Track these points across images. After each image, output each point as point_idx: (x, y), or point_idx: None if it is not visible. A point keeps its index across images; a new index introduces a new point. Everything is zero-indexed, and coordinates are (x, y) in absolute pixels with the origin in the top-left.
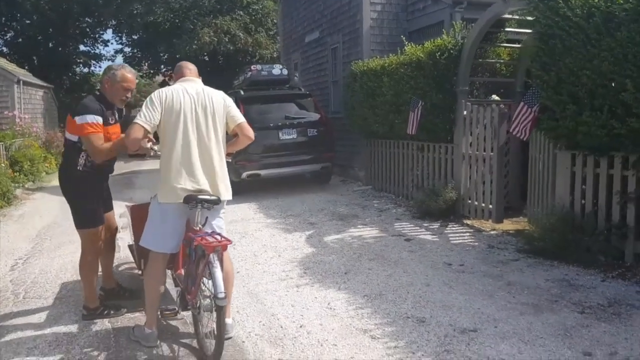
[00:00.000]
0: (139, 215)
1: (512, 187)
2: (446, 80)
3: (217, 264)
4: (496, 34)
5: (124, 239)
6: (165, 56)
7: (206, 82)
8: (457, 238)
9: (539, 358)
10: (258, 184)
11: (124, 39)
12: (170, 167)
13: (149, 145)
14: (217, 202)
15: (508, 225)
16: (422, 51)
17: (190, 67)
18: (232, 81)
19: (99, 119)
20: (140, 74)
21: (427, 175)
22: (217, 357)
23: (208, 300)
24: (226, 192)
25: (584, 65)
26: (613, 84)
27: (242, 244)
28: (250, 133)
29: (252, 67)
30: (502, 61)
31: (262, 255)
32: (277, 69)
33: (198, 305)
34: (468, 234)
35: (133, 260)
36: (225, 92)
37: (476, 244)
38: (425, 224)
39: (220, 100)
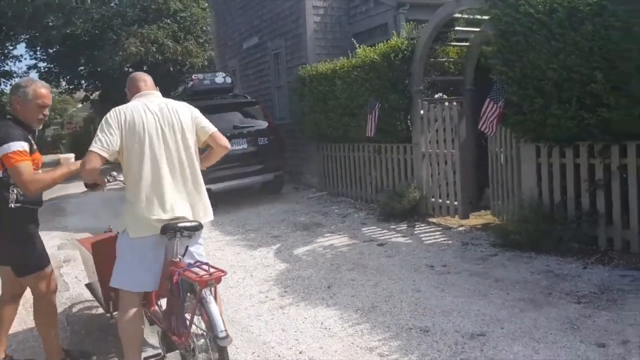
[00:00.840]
0: (102, 251)
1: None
2: (401, 81)
3: (211, 299)
4: (446, 33)
5: (70, 274)
6: (86, 70)
7: None
8: (429, 238)
9: (556, 355)
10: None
11: (38, 53)
12: (139, 197)
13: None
14: (199, 227)
15: (473, 220)
16: (376, 53)
17: (145, 79)
18: (162, 93)
19: (25, 145)
20: (59, 90)
21: (387, 176)
22: None
23: (203, 340)
24: (205, 215)
25: (549, 60)
26: (580, 77)
27: None
28: (226, 142)
29: (193, 77)
30: (451, 60)
31: (232, 276)
32: (220, 77)
33: (192, 347)
34: (438, 232)
35: (91, 299)
36: None
37: (449, 242)
38: (393, 226)
39: (187, 113)
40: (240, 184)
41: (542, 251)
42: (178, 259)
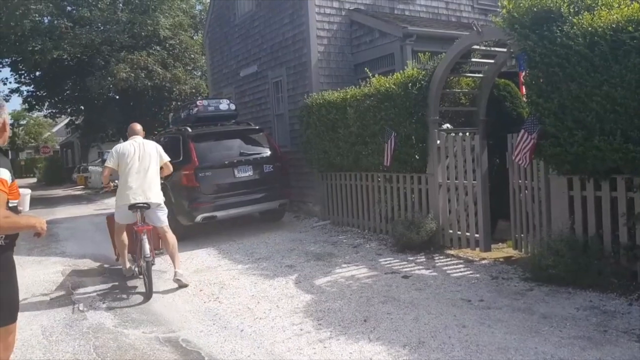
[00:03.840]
0: (111, 222)
1: None
2: (417, 111)
3: (145, 240)
4: (462, 64)
5: (83, 301)
6: (76, 94)
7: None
8: (454, 271)
9: None
10: (206, 226)
11: (22, 77)
12: (123, 190)
13: (111, 184)
14: (146, 207)
15: (493, 253)
16: (392, 82)
17: (137, 128)
18: (143, 120)
19: (7, 175)
20: (43, 113)
21: (398, 207)
22: (150, 292)
23: (145, 262)
24: (157, 198)
25: (591, 92)
26: (626, 110)
27: (225, 296)
28: (171, 169)
29: (197, 103)
30: (466, 91)
31: (257, 307)
32: (224, 104)
33: (140, 265)
34: (461, 265)
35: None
36: (147, 130)
37: (477, 275)
38: (411, 258)
39: (154, 147)
40: (245, 212)
41: (578, 286)
42: (136, 222)
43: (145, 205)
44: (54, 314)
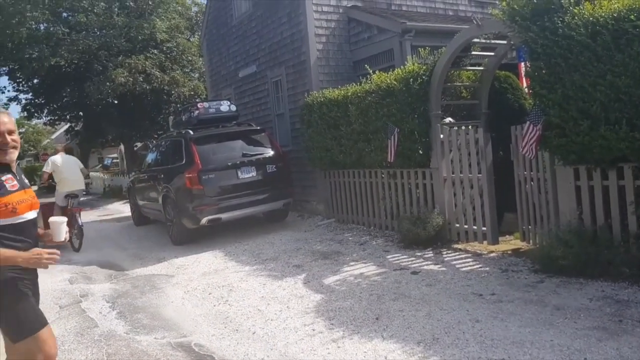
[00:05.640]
0: (46, 209)
1: None
2: (419, 106)
3: (77, 215)
4: (462, 57)
5: (92, 309)
6: (74, 100)
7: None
8: (463, 265)
9: None
10: (211, 228)
11: (21, 85)
12: (61, 184)
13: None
14: (77, 195)
15: (502, 246)
16: (393, 78)
17: (60, 148)
18: (142, 124)
19: None
20: (43, 121)
21: (404, 202)
22: (80, 246)
23: (77, 229)
24: (82, 186)
25: (595, 82)
26: (630, 98)
27: (235, 298)
28: (86, 171)
29: (198, 105)
30: (467, 84)
31: (268, 309)
32: (225, 105)
33: (75, 232)
34: (469, 259)
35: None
36: (146, 134)
37: (487, 269)
38: (418, 253)
39: (76, 160)
40: (250, 213)
41: (589, 276)
42: (69, 206)
43: (75, 194)
44: (65, 322)
